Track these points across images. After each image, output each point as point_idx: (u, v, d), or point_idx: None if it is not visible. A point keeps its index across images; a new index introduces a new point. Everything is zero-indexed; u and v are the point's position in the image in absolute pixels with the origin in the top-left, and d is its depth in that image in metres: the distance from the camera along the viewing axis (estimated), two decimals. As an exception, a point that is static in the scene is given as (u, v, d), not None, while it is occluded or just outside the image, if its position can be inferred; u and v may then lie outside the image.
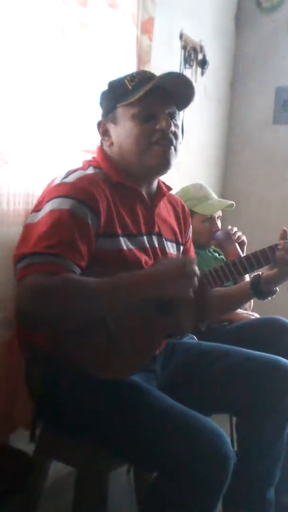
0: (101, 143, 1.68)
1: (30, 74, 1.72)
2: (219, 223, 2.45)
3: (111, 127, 1.62)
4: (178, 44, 2.99)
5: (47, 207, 1.46)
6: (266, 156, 3.74)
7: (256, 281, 1.77)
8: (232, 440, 2.14)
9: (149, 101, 1.56)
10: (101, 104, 1.67)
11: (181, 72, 2.87)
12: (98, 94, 1.67)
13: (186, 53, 3.05)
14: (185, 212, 1.87)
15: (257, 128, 3.75)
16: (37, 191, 1.75)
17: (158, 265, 1.51)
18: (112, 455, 1.52)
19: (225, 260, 2.51)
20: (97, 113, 1.70)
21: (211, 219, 2.40)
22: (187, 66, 3.06)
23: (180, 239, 1.79)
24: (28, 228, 1.51)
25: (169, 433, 1.37)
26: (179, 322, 1.53)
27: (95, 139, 1.78)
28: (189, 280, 1.45)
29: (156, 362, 1.68)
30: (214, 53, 3.35)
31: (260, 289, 1.77)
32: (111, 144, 1.63)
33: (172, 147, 1.60)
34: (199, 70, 3.19)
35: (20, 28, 1.67)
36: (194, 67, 3.14)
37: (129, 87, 1.58)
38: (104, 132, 1.64)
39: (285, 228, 1.76)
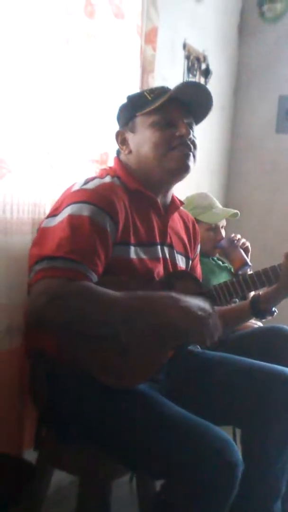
0: (118, 153, 1.70)
1: (36, 83, 1.73)
2: (223, 232, 2.45)
3: (130, 136, 1.64)
4: (181, 53, 3.00)
5: (66, 212, 1.47)
6: (269, 164, 3.75)
7: (255, 300, 1.77)
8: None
9: (168, 110, 1.59)
10: (118, 116, 1.70)
11: (180, 79, 2.89)
12: (103, 103, 1.69)
13: (190, 63, 3.06)
14: (196, 228, 1.88)
15: (260, 137, 3.76)
16: (44, 200, 1.76)
17: (183, 298, 1.46)
18: (117, 463, 1.52)
19: (229, 267, 2.52)
20: (101, 123, 1.70)
21: (215, 228, 2.40)
22: (190, 75, 3.08)
23: (189, 254, 1.80)
24: (44, 231, 1.52)
25: (177, 440, 1.37)
26: (187, 340, 1.53)
27: (104, 148, 1.79)
28: (211, 333, 1.45)
29: (160, 371, 1.68)
30: (217, 62, 3.37)
31: (259, 308, 1.77)
32: (129, 152, 1.64)
33: (191, 154, 1.62)
34: (202, 79, 3.21)
35: (25, 38, 1.67)
36: (197, 76, 3.16)
37: (149, 98, 1.61)
38: (122, 141, 1.66)
39: None
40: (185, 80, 1.62)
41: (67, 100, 1.90)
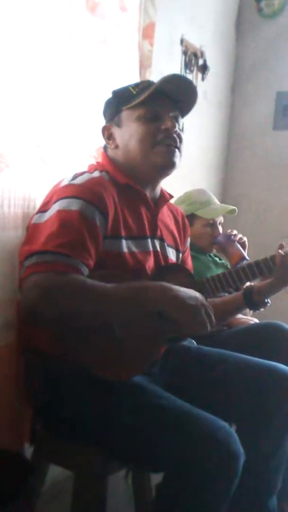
0: (105, 148, 1.70)
1: (33, 77, 1.72)
2: (220, 228, 2.45)
3: (116, 131, 1.64)
4: (179, 49, 3.00)
5: (55, 207, 1.47)
6: (266, 161, 3.75)
7: (248, 291, 1.78)
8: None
9: (153, 104, 1.59)
10: (104, 111, 1.70)
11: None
12: (100, 99, 1.68)
13: (187, 58, 3.06)
14: (185, 221, 1.89)
15: (258, 133, 3.76)
16: (34, 195, 1.76)
17: (175, 287, 1.47)
18: (114, 458, 1.52)
19: (226, 264, 2.52)
20: (98, 118, 1.70)
21: (213, 224, 2.40)
22: (187, 71, 3.08)
23: (180, 247, 1.80)
24: (34, 227, 1.52)
25: (178, 431, 1.37)
26: (180, 330, 1.53)
27: (98, 144, 1.78)
28: (203, 322, 1.45)
29: (155, 365, 1.68)
30: (214, 58, 3.37)
31: (252, 300, 1.78)
32: (116, 147, 1.65)
33: (177, 148, 1.62)
34: (199, 75, 3.21)
35: (22, 33, 1.67)
36: (194, 72, 3.16)
37: (134, 92, 1.62)
38: (109, 136, 1.67)
39: (283, 243, 1.75)
40: (169, 74, 1.60)
41: (64, 94, 1.89)
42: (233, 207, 2.45)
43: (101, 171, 1.61)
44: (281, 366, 1.71)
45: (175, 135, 1.61)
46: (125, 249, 1.55)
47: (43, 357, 1.55)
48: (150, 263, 1.62)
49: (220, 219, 2.46)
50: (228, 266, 2.53)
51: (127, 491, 1.96)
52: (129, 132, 1.61)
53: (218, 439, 1.34)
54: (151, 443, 1.40)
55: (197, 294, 1.48)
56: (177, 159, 1.62)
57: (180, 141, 1.63)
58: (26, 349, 1.63)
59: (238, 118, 3.81)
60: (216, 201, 2.47)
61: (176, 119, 1.63)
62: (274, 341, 2.10)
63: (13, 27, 1.64)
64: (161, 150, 1.59)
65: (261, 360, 1.73)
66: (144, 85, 1.63)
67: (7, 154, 1.63)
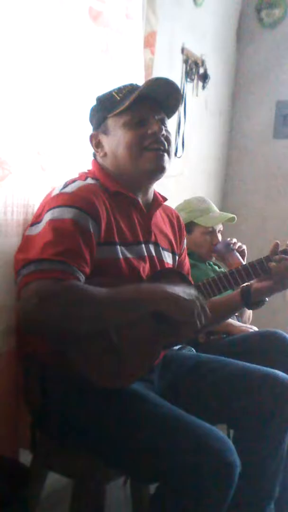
0: (94, 155, 1.70)
1: (34, 85, 1.73)
2: (220, 236, 2.46)
3: (103, 138, 1.64)
4: (179, 58, 3.01)
5: (47, 217, 1.47)
6: (265, 170, 3.76)
7: (246, 291, 1.77)
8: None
9: (138, 109, 1.59)
10: (91, 119, 1.70)
11: (179, 84, 2.88)
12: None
13: (188, 67, 3.07)
14: (180, 223, 1.88)
15: (257, 142, 3.77)
16: (33, 201, 1.76)
17: (170, 286, 1.50)
18: (111, 466, 1.52)
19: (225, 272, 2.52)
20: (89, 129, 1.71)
21: (212, 232, 2.41)
22: (188, 80, 3.09)
23: (175, 249, 1.80)
24: (28, 238, 1.52)
25: (174, 441, 1.37)
26: (177, 333, 1.54)
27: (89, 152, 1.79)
28: (198, 314, 1.47)
29: (154, 373, 1.68)
30: (215, 67, 3.38)
31: (250, 299, 1.77)
32: (105, 155, 1.65)
33: (165, 152, 1.61)
34: (200, 84, 3.22)
35: (24, 39, 1.67)
36: (195, 81, 3.17)
37: (117, 98, 1.61)
38: (97, 144, 1.67)
39: (277, 241, 1.76)
40: (150, 78, 1.60)
41: (65, 101, 1.89)
42: (232, 215, 2.46)
43: (92, 178, 1.62)
44: (280, 373, 1.71)
45: (162, 138, 1.60)
46: (120, 255, 1.55)
47: (40, 366, 1.55)
48: (145, 268, 1.62)
49: (220, 227, 2.46)
50: None
51: (125, 499, 1.95)
52: (117, 140, 1.61)
53: (214, 450, 1.34)
54: (147, 452, 1.40)
55: (191, 290, 1.51)
56: (166, 163, 1.62)
57: (168, 143, 1.63)
58: (24, 356, 1.63)
59: (238, 126, 3.83)
60: (216, 209, 2.47)
61: (162, 122, 1.63)
62: (273, 349, 2.10)
63: (15, 35, 1.64)
64: (150, 155, 1.59)
65: (259, 366, 1.73)
66: (128, 89, 1.62)
67: (10, 161, 1.64)
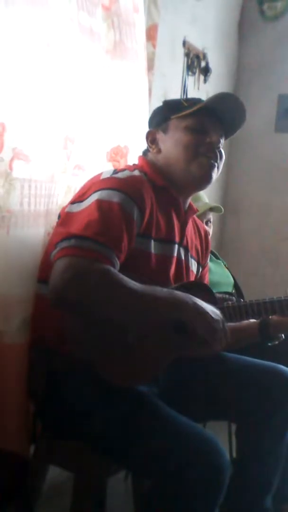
0: (144, 153, 1.73)
1: (47, 77, 1.71)
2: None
3: (161, 136, 1.67)
4: (181, 51, 3.01)
5: (94, 197, 1.48)
6: (267, 163, 3.75)
7: (265, 325, 1.74)
8: (230, 447, 2.14)
9: (202, 117, 1.63)
10: (151, 119, 1.74)
11: (180, 77, 2.91)
12: (110, 101, 1.68)
13: (189, 60, 3.07)
14: (208, 238, 1.90)
15: (259, 136, 3.76)
16: (57, 191, 1.75)
17: (200, 300, 1.48)
18: (110, 460, 1.52)
19: (224, 263, 2.52)
20: (112, 119, 1.70)
21: None
22: (190, 73, 3.08)
23: (201, 260, 1.82)
24: (69, 215, 1.52)
25: (165, 442, 1.37)
26: (193, 348, 1.52)
27: (113, 144, 1.78)
28: (220, 337, 1.46)
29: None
30: (217, 60, 3.37)
31: (268, 333, 1.74)
32: (158, 151, 1.67)
33: (216, 164, 1.64)
34: (201, 77, 3.21)
35: (39, 31, 1.65)
36: (197, 74, 3.16)
37: (185, 104, 1.65)
38: (152, 141, 1.69)
39: None
40: (222, 92, 1.64)
41: (78, 95, 1.88)
42: (217, 205, 2.43)
43: (140, 171, 1.63)
44: (282, 367, 1.71)
45: (217, 151, 1.64)
46: (152, 250, 1.56)
47: (47, 356, 1.55)
48: (172, 269, 1.63)
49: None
50: (226, 265, 2.53)
51: (126, 492, 1.96)
52: (175, 139, 1.63)
53: (201, 451, 1.34)
54: (140, 450, 1.41)
55: (218, 312, 1.49)
56: (214, 174, 1.65)
57: (221, 158, 1.66)
58: (32, 347, 1.63)
59: (240, 120, 3.81)
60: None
61: (220, 137, 1.66)
62: (275, 345, 2.10)
63: (28, 28, 1.61)
64: (202, 161, 1.62)
65: (261, 361, 1.74)
66: (195, 100, 1.67)
67: (27, 150, 1.62)
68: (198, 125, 1.62)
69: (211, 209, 2.43)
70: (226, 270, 2.53)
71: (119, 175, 1.55)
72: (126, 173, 1.57)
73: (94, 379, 1.43)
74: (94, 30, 1.91)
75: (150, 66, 2.49)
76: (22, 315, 1.64)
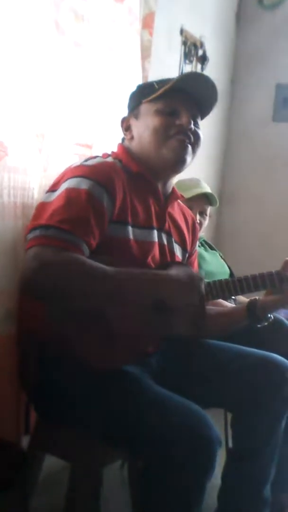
0: (122, 140, 1.72)
1: (31, 68, 1.71)
2: (206, 221, 2.43)
3: (134, 122, 1.67)
4: (178, 39, 2.99)
5: (64, 186, 1.48)
6: (265, 153, 3.75)
7: (252, 305, 1.74)
8: (226, 438, 2.14)
9: (173, 99, 1.61)
10: (128, 104, 1.72)
11: (177, 65, 2.90)
12: (97, 88, 1.68)
13: (186, 49, 3.05)
14: (195, 225, 1.89)
15: (257, 125, 3.75)
16: (33, 184, 1.75)
17: (169, 272, 1.50)
18: (102, 447, 1.52)
19: (219, 253, 2.52)
20: (97, 109, 1.69)
21: (190, 209, 2.34)
22: (187, 61, 3.06)
23: (187, 247, 1.81)
24: (42, 205, 1.52)
25: (152, 418, 1.37)
26: (174, 326, 1.52)
27: (97, 134, 1.77)
28: (196, 297, 1.46)
29: (152, 357, 1.68)
30: (214, 49, 3.35)
31: (256, 314, 1.74)
32: (132, 138, 1.67)
33: (190, 145, 1.62)
34: (199, 66, 3.19)
35: (18, 23, 1.65)
36: (194, 63, 3.14)
37: (156, 87, 1.63)
38: (127, 128, 1.69)
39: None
40: (190, 71, 1.62)
41: (64, 85, 1.88)
42: (207, 191, 2.40)
43: (114, 159, 1.63)
44: (277, 356, 1.71)
45: (189, 133, 1.61)
46: (130, 236, 1.56)
47: (38, 345, 1.55)
48: (155, 254, 1.62)
49: (202, 208, 2.41)
50: (221, 255, 2.53)
51: (122, 481, 1.96)
52: (145, 124, 1.62)
53: (190, 424, 1.34)
54: (129, 429, 1.42)
55: (194, 273, 1.50)
56: (188, 156, 1.63)
57: (196, 138, 1.64)
58: (21, 336, 1.63)
59: (238, 109, 3.80)
60: (202, 187, 2.43)
61: (193, 117, 1.64)
62: (271, 333, 2.10)
63: (9, 19, 1.62)
64: (173, 144, 1.60)
65: (257, 350, 1.74)
66: (168, 81, 1.63)
67: (6, 142, 1.62)
68: (168, 108, 1.61)
69: (209, 202, 2.42)
70: (222, 260, 2.53)
71: (89, 162, 1.55)
72: (97, 160, 1.57)
73: (84, 365, 1.44)
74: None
75: (147, 55, 2.48)
76: (6, 306, 1.64)
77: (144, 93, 1.66)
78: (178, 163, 1.64)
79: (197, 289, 1.46)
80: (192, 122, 1.62)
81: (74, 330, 1.44)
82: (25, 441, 1.70)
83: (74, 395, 1.50)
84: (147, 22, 2.47)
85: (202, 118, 1.69)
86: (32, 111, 1.74)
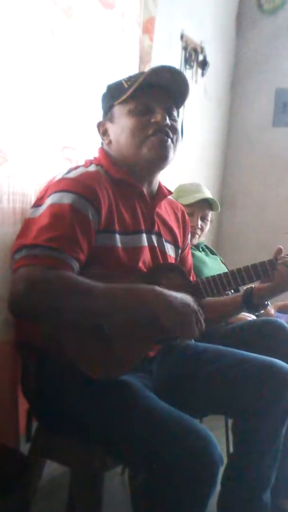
0: (102, 144, 1.69)
1: (31, 74, 1.72)
2: (207, 226, 2.43)
3: (109, 126, 1.64)
4: (178, 44, 2.99)
5: (48, 201, 1.47)
6: (265, 157, 3.75)
7: (248, 293, 1.75)
8: (227, 442, 2.14)
9: (144, 97, 1.58)
10: (102, 106, 1.69)
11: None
12: (97, 94, 1.68)
13: (187, 54, 3.05)
14: (185, 217, 1.87)
15: (257, 130, 3.76)
16: (31, 190, 1.75)
17: (168, 292, 1.44)
18: (106, 453, 1.51)
19: (219, 258, 2.52)
20: (95, 115, 1.69)
21: (191, 214, 2.35)
22: (187, 66, 3.07)
23: (179, 243, 1.79)
24: (27, 222, 1.51)
25: (157, 435, 1.36)
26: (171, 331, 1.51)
27: (93, 141, 1.77)
28: (192, 329, 1.43)
29: (153, 363, 1.68)
30: (214, 54, 3.35)
31: (252, 302, 1.75)
32: (110, 142, 1.64)
33: (169, 140, 1.59)
34: (199, 71, 3.20)
35: (11, 32, 1.65)
36: (194, 68, 3.14)
37: (125, 86, 1.60)
38: (104, 132, 1.66)
39: (281, 246, 1.73)
40: (157, 65, 1.59)
41: (62, 91, 1.89)
42: (211, 197, 2.41)
43: (96, 165, 1.60)
44: (279, 361, 1.70)
45: (166, 128, 1.59)
46: (118, 244, 1.54)
47: (37, 353, 1.55)
48: (145, 258, 1.61)
49: (204, 212, 2.41)
50: (221, 259, 2.53)
51: (123, 487, 1.96)
52: (121, 127, 1.60)
53: (193, 444, 1.32)
54: (132, 444, 1.40)
55: (189, 300, 1.46)
56: (169, 152, 1.60)
57: (173, 132, 1.61)
58: (22, 345, 1.63)
59: (238, 114, 3.81)
60: (203, 192, 2.44)
61: (168, 111, 1.61)
62: (271, 338, 2.10)
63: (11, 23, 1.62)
64: (151, 143, 1.57)
65: (258, 355, 1.73)
66: (136, 77, 1.60)
67: (6, 148, 1.63)
68: (140, 106, 1.58)
69: (210, 207, 2.42)
70: (222, 264, 2.53)
71: (71, 174, 1.53)
72: (79, 171, 1.54)
73: (80, 373, 1.43)
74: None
75: (147, 59, 2.48)
76: (5, 313, 1.64)
77: (114, 94, 1.62)
78: (160, 161, 1.61)
79: (193, 316, 1.43)
80: (167, 117, 1.59)
81: (68, 342, 1.43)
82: (27, 448, 1.69)
83: (73, 404, 1.49)
84: (148, 27, 2.48)
85: (178, 108, 1.66)
86: (33, 117, 1.75)
